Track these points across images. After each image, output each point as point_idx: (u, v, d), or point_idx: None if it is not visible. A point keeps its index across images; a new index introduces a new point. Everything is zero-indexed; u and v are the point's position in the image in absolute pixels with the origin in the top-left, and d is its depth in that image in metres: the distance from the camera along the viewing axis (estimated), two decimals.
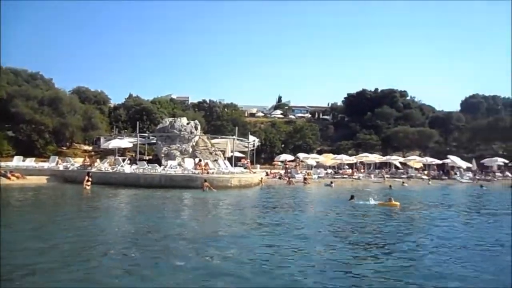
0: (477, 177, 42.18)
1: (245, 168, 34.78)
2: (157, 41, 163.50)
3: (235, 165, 34.01)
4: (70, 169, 28.49)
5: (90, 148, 48.59)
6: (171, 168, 28.18)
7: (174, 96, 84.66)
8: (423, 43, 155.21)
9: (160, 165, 29.00)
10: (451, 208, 17.95)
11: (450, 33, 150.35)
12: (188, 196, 20.45)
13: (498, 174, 45.54)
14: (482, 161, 48.99)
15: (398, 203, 17.19)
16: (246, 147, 39.70)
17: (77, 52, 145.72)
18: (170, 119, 37.21)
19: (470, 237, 10.23)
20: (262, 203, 18.84)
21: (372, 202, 17.96)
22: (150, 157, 36.45)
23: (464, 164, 46.14)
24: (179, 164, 29.34)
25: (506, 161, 48.66)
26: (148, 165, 28.62)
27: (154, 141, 35.62)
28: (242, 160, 40.18)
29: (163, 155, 31.44)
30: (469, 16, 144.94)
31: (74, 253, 7.58)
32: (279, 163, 47.90)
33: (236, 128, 41.20)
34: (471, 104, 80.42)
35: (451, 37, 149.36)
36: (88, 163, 28.92)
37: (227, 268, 6.82)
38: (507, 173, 46.69)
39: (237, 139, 36.63)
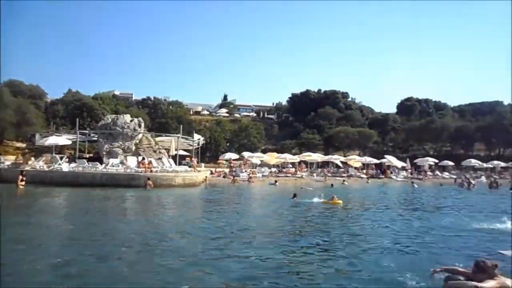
0: (410, 176, 44.67)
1: (190, 166, 34.50)
2: (98, 34, 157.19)
3: (180, 164, 33.66)
4: (0, 167, 26.78)
5: (23, 145, 45.73)
6: (113, 166, 27.38)
7: (117, 93, 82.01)
8: (364, 47, 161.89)
9: (101, 163, 28.05)
10: (387, 205, 18.86)
11: (388, 38, 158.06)
12: (130, 195, 20.01)
13: (429, 173, 48.57)
14: (415, 161, 52.14)
15: (341, 201, 17.80)
16: (191, 145, 39.35)
17: (10, 43, 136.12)
18: (113, 116, 35.92)
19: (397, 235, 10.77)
20: (205, 202, 18.89)
21: (316, 200, 18.49)
22: (91, 155, 35.08)
23: (399, 164, 48.78)
24: (122, 162, 28.56)
25: (436, 161, 52.07)
26: (89, 163, 27.59)
27: (95, 139, 34.28)
28: (187, 158, 39.83)
29: (104, 153, 30.37)
30: (406, 20, 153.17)
31: None
32: (224, 162, 48.01)
33: (181, 126, 40.69)
34: (406, 107, 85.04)
35: (388, 43, 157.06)
36: (21, 161, 27.31)
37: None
38: (437, 172, 50.05)
39: (182, 137, 36.21)
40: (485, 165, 53.03)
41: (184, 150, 39.60)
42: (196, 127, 56.74)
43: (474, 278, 4.73)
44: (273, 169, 44.46)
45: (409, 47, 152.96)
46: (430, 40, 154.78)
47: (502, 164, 52.82)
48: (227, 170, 40.87)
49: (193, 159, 37.47)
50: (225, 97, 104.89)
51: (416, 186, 33.58)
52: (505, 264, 6.86)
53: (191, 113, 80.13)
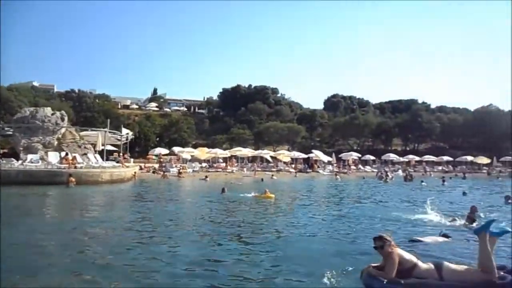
0: (336, 170, 46.95)
1: (118, 162, 33.37)
2: (13, 17, 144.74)
3: (107, 159, 32.45)
4: None
5: None
6: (32, 162, 25.64)
7: (36, 84, 76.50)
8: (292, 44, 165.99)
9: (17, 159, 26.22)
10: (314, 198, 19.67)
11: (313, 35, 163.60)
12: (50, 193, 18.85)
13: (353, 167, 51.35)
14: (340, 155, 54.76)
15: (273, 195, 18.05)
16: (118, 140, 38.01)
17: None
18: (31, 108, 33.53)
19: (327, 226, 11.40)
20: (132, 198, 18.46)
21: (247, 194, 18.70)
22: (5, 150, 32.54)
23: (325, 158, 50.88)
24: (42, 158, 26.84)
25: (359, 155, 55.22)
26: (2, 160, 25.67)
27: (10, 133, 31.81)
28: (115, 154, 38.47)
29: (21, 148, 28.23)
30: (330, 16, 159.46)
31: None
32: (154, 157, 47.06)
33: (108, 120, 39.13)
34: (332, 103, 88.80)
35: (314, 39, 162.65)
36: None
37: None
38: (360, 166, 53.11)
39: (109, 132, 34.84)
40: (401, 159, 57.29)
41: (112, 145, 38.15)
42: (124, 121, 54.85)
43: (378, 250, 5.21)
44: (204, 164, 44.39)
45: (335, 45, 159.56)
46: (353, 38, 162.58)
47: (417, 158, 57.40)
48: (157, 166, 40.16)
49: (125, 155, 36.27)
50: (155, 91, 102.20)
51: (339, 179, 35.26)
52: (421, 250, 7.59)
53: (119, 107, 77.12)
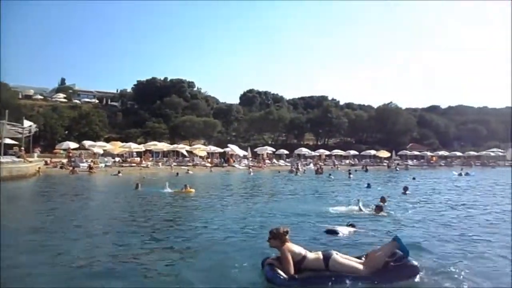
0: (251, 164, 47.91)
1: (19, 157, 30.76)
2: None
3: (5, 154, 29.79)
4: None
5: None
6: None
7: None
8: (209, 37, 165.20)
9: None
10: (230, 192, 19.86)
11: (231, 30, 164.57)
12: None
13: (267, 161, 52.80)
14: (255, 150, 55.94)
15: (193, 190, 17.83)
16: (20, 133, 34.95)
17: None
18: None
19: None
20: (32, 196, 17.24)
21: (164, 190, 18.23)
22: None
23: (241, 152, 51.71)
24: None
25: (274, 150, 56.91)
26: None
27: None
28: (15, 148, 35.35)
29: None
30: (250, 13, 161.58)
31: None
32: (62, 151, 44.20)
33: (7, 111, 35.74)
34: (248, 98, 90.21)
35: (233, 34, 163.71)
36: None
37: None
38: (274, 160, 54.80)
39: (8, 124, 31.88)
40: (313, 153, 60.21)
41: (12, 138, 34.96)
42: (27, 113, 50.42)
43: (270, 244, 5.49)
44: (117, 159, 42.69)
45: (251, 40, 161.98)
46: (268, 34, 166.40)
47: (327, 152, 60.75)
48: (65, 160, 37.79)
49: (36, 149, 33.39)
50: (63, 80, 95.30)
51: (252, 173, 36.12)
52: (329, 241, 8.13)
53: (20, 97, 70.62)
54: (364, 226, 9.74)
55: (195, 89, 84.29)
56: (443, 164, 60.21)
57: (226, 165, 47.47)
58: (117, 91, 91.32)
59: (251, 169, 38.71)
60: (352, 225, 9.39)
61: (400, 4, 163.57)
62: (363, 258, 5.61)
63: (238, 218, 11.22)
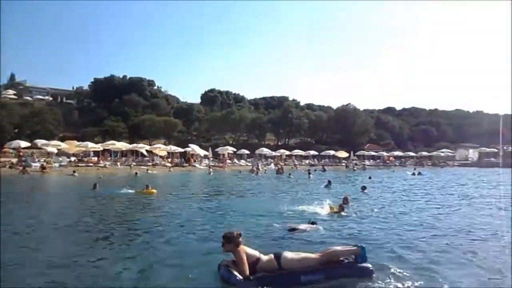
0: (212, 164, 47.74)
1: None
2: None
3: None
4: None
5: None
6: None
7: None
8: (171, 35, 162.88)
9: None
10: (191, 192, 19.71)
11: (193, 27, 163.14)
12: None
13: (228, 161, 52.80)
14: (216, 149, 55.78)
15: (154, 191, 17.53)
16: None
17: None
18: None
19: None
20: None
21: (124, 190, 17.84)
22: None
23: (202, 152, 51.45)
24: None
25: (235, 149, 56.95)
26: None
27: None
28: None
29: None
30: (205, 12, 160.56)
31: None
32: (11, 151, 42.26)
33: None
34: (209, 98, 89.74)
35: (196, 33, 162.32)
36: None
37: None
38: (235, 160, 54.88)
39: None
40: (274, 153, 60.77)
41: None
42: None
43: (225, 248, 5.55)
44: (73, 159, 41.32)
45: (213, 40, 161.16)
46: (232, 34, 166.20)
47: (287, 152, 61.53)
48: (15, 160, 36.21)
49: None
50: (12, 76, 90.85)
51: (211, 173, 36.08)
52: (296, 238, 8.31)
53: None
54: (324, 224, 10.00)
55: (155, 88, 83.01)
56: (397, 164, 62.46)
57: (187, 165, 47.07)
58: (72, 88, 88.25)
59: (211, 169, 38.61)
60: (314, 223, 9.62)
61: (357, 7, 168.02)
62: (318, 254, 5.75)
63: (197, 219, 11.09)
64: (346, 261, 5.66)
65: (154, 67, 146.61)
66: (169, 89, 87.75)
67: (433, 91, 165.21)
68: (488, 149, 70.60)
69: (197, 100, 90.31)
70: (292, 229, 9.12)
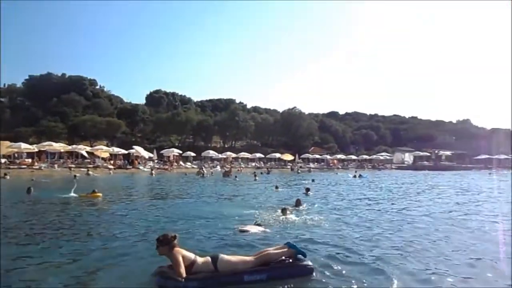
0: (157, 167, 46.63)
1: None
2: None
3: None
4: None
5: None
6: None
7: None
8: (113, 33, 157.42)
9: None
10: (136, 195, 19.05)
11: (136, 28, 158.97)
12: None
13: (174, 163, 51.82)
14: (161, 152, 54.65)
15: (100, 194, 16.96)
16: None
17: None
18: None
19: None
20: None
21: (70, 194, 16.89)
22: None
23: (147, 154, 50.17)
24: None
25: (180, 152, 56.07)
26: None
27: None
28: None
29: None
30: (149, 11, 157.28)
31: None
32: None
33: None
34: (154, 99, 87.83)
35: (139, 32, 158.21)
36: None
37: None
38: (181, 162, 53.95)
39: None
40: (220, 155, 60.49)
41: None
42: None
43: (159, 251, 5.45)
44: (3, 160, 38.65)
45: (158, 39, 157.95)
46: (178, 36, 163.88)
47: (234, 155, 61.50)
48: None
49: None
50: None
51: (154, 175, 35.16)
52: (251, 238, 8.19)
53: None
54: (270, 224, 10.12)
55: (97, 87, 79.84)
56: (340, 167, 64.44)
57: (131, 167, 45.62)
58: (4, 85, 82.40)
59: (153, 171, 37.65)
60: (259, 224, 9.69)
61: (305, 13, 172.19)
62: (253, 257, 5.80)
63: (139, 224, 10.67)
64: (287, 261, 5.77)
65: (96, 66, 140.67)
66: (112, 89, 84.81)
67: (373, 96, 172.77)
68: (421, 153, 74.86)
69: (142, 101, 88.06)
70: (241, 231, 9.09)
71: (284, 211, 11.66)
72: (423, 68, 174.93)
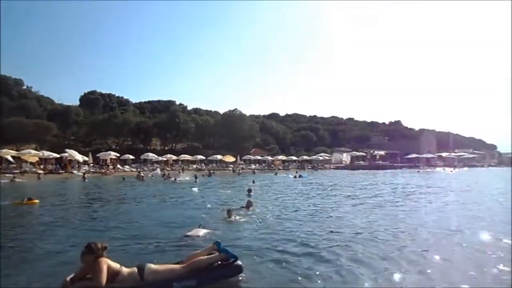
0: (93, 170, 44.33)
1: None
2: None
3: None
4: None
5: None
6: None
7: None
8: (42, 31, 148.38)
9: None
10: (67, 200, 17.85)
11: (66, 27, 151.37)
12: None
13: (111, 167, 49.61)
14: (98, 155, 52.11)
15: (37, 201, 15.96)
16: None
17: None
18: None
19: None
20: None
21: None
22: None
23: (81, 158, 47.57)
24: None
25: (118, 155, 53.80)
26: None
27: None
28: None
29: None
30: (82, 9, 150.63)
31: None
32: None
33: None
34: (89, 100, 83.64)
35: (70, 31, 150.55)
36: None
37: None
38: (119, 166, 51.76)
39: None
40: (160, 158, 58.87)
41: None
42: None
43: (83, 259, 5.07)
44: None
45: (92, 38, 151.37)
46: (114, 35, 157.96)
47: (174, 157, 60.08)
48: None
49: None
50: None
51: (86, 180, 33.52)
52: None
53: None
54: (215, 227, 9.97)
55: (24, 87, 74.62)
56: (281, 168, 65.16)
57: (63, 171, 42.93)
58: None
59: (85, 176, 35.65)
60: (203, 227, 9.51)
61: (246, 13, 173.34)
62: (182, 265, 5.66)
63: (67, 232, 9.96)
64: (216, 264, 5.68)
65: (22, 65, 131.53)
66: (41, 90, 79.58)
67: (313, 98, 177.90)
68: (358, 153, 77.95)
69: (75, 102, 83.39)
70: (186, 236, 8.85)
71: (229, 212, 11.45)
72: (359, 71, 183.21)
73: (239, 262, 5.77)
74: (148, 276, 5.21)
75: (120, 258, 5.69)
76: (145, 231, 9.79)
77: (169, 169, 48.24)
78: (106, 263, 5.00)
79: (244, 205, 13.48)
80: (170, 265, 5.63)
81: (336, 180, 34.26)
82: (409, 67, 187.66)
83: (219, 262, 5.68)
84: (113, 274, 5.03)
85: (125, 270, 5.20)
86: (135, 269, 5.26)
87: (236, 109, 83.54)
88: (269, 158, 70.87)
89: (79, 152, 49.45)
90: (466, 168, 68.86)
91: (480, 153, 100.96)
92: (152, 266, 5.37)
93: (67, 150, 48.49)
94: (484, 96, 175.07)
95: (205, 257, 5.67)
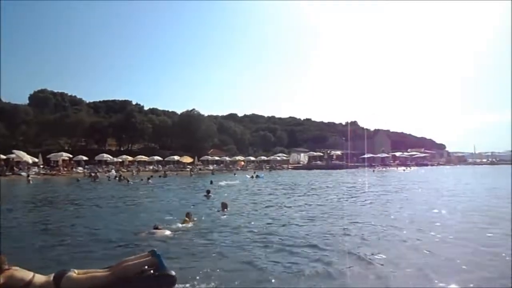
0: (43, 172, 42.74)
1: None
2: None
3: None
4: None
5: None
6: None
7: None
8: None
9: None
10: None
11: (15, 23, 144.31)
12: None
13: (64, 168, 47.99)
14: (48, 156, 50.23)
15: None
16: None
17: None
18: None
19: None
20: None
21: None
22: None
23: (30, 159, 45.71)
24: None
25: (71, 156, 52.07)
26: None
27: None
28: None
29: None
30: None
31: None
32: None
33: None
34: (39, 99, 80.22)
35: (18, 28, 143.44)
36: None
37: None
38: (72, 167, 50.14)
39: None
40: (115, 159, 57.56)
41: None
42: None
43: None
44: None
45: (42, 35, 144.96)
46: (67, 33, 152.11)
47: (130, 158, 58.98)
48: None
49: None
50: None
51: (31, 182, 32.38)
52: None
53: None
54: (169, 227, 9.94)
55: None
56: (239, 168, 65.47)
57: (10, 173, 41.08)
58: None
59: (30, 178, 34.36)
60: (157, 228, 9.49)
61: (206, 13, 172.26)
62: (108, 271, 5.17)
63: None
64: (147, 272, 5.05)
65: None
66: None
67: (271, 99, 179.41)
68: (315, 153, 79.59)
69: (24, 101, 79.63)
70: (136, 234, 8.97)
71: (188, 215, 11.31)
72: (317, 72, 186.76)
73: (172, 273, 5.15)
74: (65, 285, 4.71)
75: (54, 264, 5.62)
76: (91, 234, 9.62)
77: (125, 170, 47.30)
78: (11, 273, 4.66)
79: (220, 209, 13.41)
80: (96, 272, 5.07)
81: (289, 180, 35.03)
82: (366, 68, 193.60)
83: (151, 271, 5.05)
84: (23, 285, 4.62)
85: (38, 279, 4.76)
86: (51, 277, 4.80)
87: (194, 109, 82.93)
88: (227, 158, 70.84)
89: (28, 153, 47.36)
90: (416, 167, 71.78)
91: (431, 152, 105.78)
92: (73, 274, 4.85)
93: (14, 151, 46.27)
94: (435, 98, 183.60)
95: (132, 262, 5.10)
